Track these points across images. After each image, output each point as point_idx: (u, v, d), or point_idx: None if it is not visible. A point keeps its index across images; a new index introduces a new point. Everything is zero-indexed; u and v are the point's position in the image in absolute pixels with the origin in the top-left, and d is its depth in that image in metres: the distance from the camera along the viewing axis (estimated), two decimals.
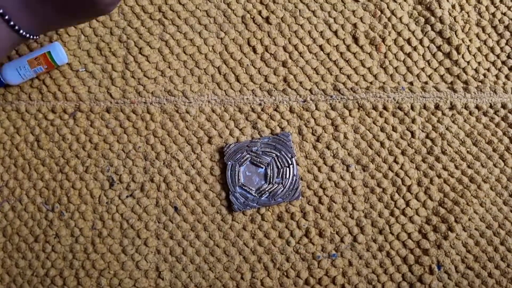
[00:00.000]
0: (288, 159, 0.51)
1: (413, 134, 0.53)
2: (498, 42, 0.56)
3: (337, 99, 0.54)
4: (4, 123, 0.52)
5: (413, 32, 0.56)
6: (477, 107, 0.54)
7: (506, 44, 0.56)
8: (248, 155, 0.51)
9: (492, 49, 0.56)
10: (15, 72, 0.50)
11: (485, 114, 0.54)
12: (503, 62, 0.55)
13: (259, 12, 0.56)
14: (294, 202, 0.51)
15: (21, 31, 0.41)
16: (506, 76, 0.55)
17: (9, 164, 0.52)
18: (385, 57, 0.55)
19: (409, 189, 0.52)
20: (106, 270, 0.50)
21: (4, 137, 0.52)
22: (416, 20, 0.56)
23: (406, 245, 0.51)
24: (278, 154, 0.51)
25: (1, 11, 0.39)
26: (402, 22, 0.56)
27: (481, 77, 0.55)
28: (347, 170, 0.53)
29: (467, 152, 0.53)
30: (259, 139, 0.52)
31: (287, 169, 0.51)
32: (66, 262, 0.50)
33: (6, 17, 0.40)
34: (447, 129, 0.54)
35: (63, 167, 0.52)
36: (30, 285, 0.49)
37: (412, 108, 0.54)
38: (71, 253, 0.50)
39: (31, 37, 0.43)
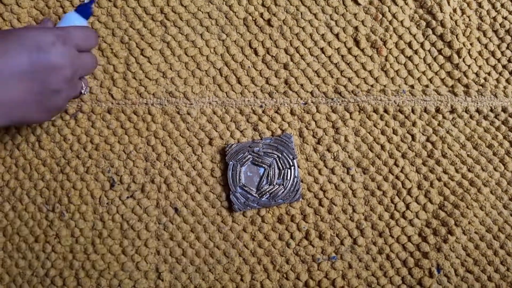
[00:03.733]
0: (290, 161, 0.51)
1: (413, 137, 0.53)
2: (499, 46, 0.56)
3: (338, 101, 0.54)
4: None
5: (414, 36, 0.56)
6: (477, 110, 0.54)
7: (507, 48, 0.56)
8: (249, 156, 0.51)
9: (493, 53, 0.56)
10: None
11: (485, 117, 0.54)
12: (504, 66, 0.55)
13: (261, 15, 0.56)
14: (294, 204, 0.52)
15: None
16: (507, 80, 0.55)
17: (10, 164, 0.52)
18: (386, 60, 0.55)
19: (409, 192, 0.52)
20: (106, 271, 0.50)
21: (5, 137, 0.52)
22: (417, 23, 0.56)
23: (406, 248, 0.51)
24: (280, 155, 0.51)
25: None
26: (404, 26, 0.56)
27: (482, 81, 0.55)
28: (348, 173, 0.53)
29: (468, 155, 0.53)
30: (261, 140, 0.52)
31: (288, 170, 0.51)
32: (66, 263, 0.50)
33: None
34: (447, 132, 0.54)
35: (64, 167, 0.52)
36: (29, 285, 0.49)
37: (413, 111, 0.54)
38: (71, 253, 0.50)
39: None
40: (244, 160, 0.51)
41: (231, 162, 0.51)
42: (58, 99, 0.43)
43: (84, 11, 0.53)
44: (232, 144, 0.52)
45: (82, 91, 0.47)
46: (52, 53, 0.40)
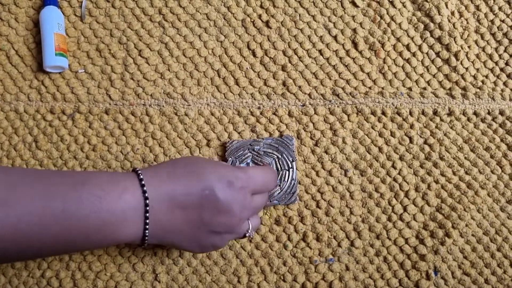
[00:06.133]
0: (289, 163, 0.51)
1: (411, 140, 0.54)
2: (496, 49, 0.56)
3: (336, 103, 0.54)
4: (2, 123, 0.52)
5: (412, 38, 0.56)
6: (475, 113, 0.54)
7: (505, 51, 0.56)
8: (249, 154, 0.51)
9: (490, 56, 0.56)
10: None
11: (483, 120, 0.54)
12: (502, 69, 0.56)
13: (259, 16, 0.56)
14: (292, 206, 0.51)
15: (145, 242, 0.38)
16: (504, 83, 0.55)
17: (6, 164, 0.52)
18: (384, 62, 0.55)
19: (406, 194, 0.52)
20: (103, 272, 0.50)
21: (2, 137, 0.52)
22: (415, 26, 0.56)
23: (403, 250, 0.51)
24: (280, 157, 0.51)
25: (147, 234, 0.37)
26: (401, 28, 0.56)
27: (480, 83, 0.55)
28: (345, 175, 0.53)
29: (465, 158, 0.53)
30: (263, 139, 0.52)
31: (287, 172, 0.51)
32: (62, 264, 0.50)
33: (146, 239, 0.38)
34: (445, 135, 0.54)
35: (61, 168, 0.52)
36: (26, 286, 0.49)
37: (411, 113, 0.54)
38: (68, 254, 0.50)
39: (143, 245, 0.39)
40: (243, 158, 0.51)
41: (230, 159, 0.51)
42: (217, 239, 0.40)
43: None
44: (233, 141, 0.52)
45: (247, 234, 0.43)
46: (222, 196, 0.38)
